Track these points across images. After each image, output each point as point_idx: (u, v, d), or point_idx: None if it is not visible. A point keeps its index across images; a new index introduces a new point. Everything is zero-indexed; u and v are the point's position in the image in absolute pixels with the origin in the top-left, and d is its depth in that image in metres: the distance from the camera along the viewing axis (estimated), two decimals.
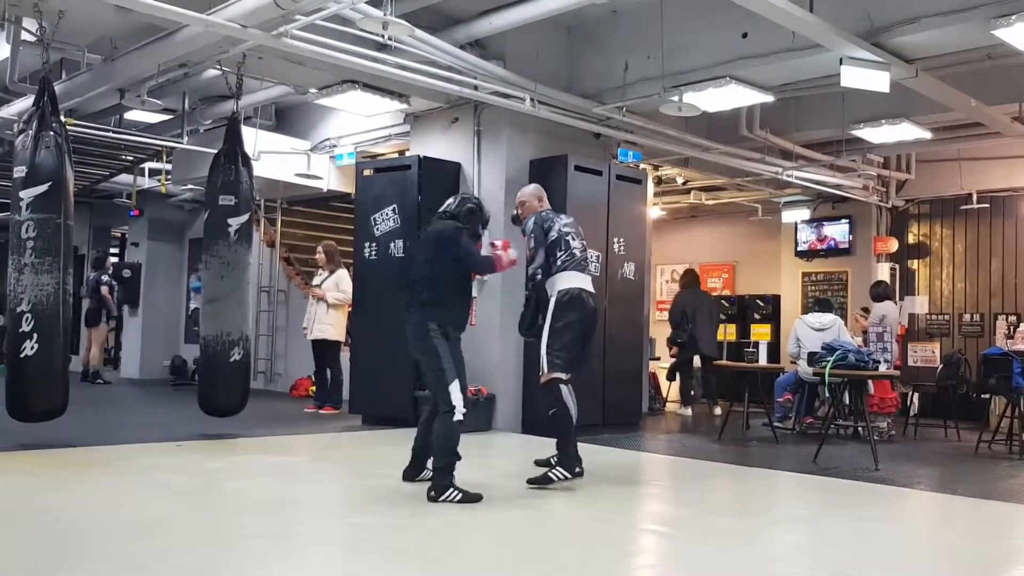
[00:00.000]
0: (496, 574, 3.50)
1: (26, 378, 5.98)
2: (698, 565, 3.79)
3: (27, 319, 5.91)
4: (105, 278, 12.35)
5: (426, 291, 4.82)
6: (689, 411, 10.11)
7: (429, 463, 4.86)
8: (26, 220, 5.97)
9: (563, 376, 5.30)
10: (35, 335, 5.91)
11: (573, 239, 5.55)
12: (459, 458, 4.68)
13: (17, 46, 7.84)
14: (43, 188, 5.99)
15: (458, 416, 4.66)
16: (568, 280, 5.43)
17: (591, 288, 5.55)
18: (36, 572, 3.22)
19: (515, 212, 5.82)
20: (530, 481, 5.16)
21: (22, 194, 5.99)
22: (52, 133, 6.07)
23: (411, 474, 5.14)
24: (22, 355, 5.91)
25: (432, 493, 4.61)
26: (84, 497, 4.67)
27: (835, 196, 11.31)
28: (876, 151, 10.23)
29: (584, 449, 6.82)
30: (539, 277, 5.46)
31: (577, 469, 5.23)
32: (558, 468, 5.20)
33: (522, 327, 5.65)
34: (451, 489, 4.59)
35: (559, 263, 5.43)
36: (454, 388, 4.67)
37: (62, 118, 6.35)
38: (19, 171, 6.05)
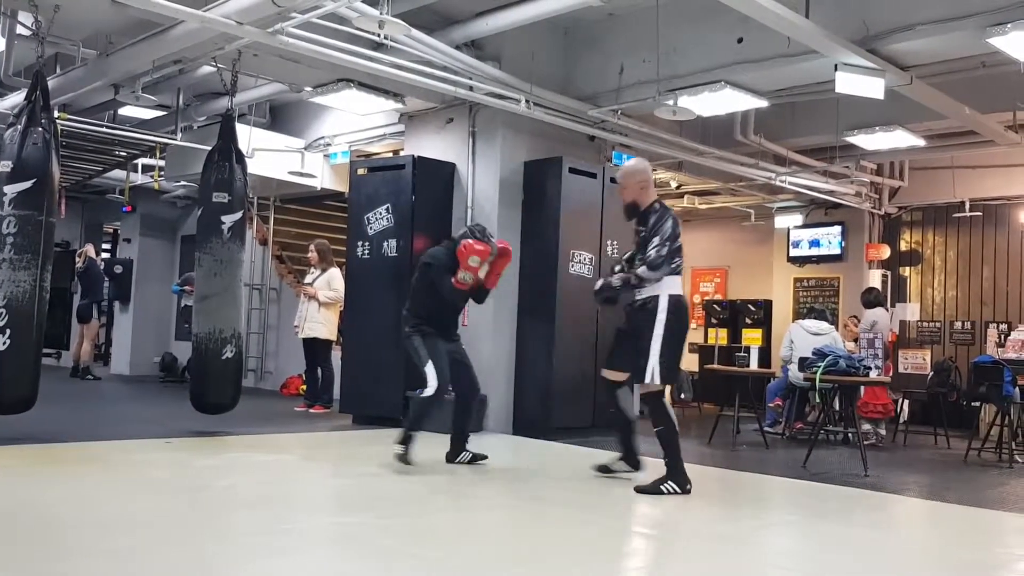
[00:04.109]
0: (487, 574, 3.49)
1: None
2: (687, 568, 3.78)
3: (0, 314, 5.88)
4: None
5: None
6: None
7: (468, 445, 5.90)
8: (8, 215, 5.92)
9: (664, 389, 5.10)
10: (8, 331, 5.87)
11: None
12: (420, 429, 5.57)
13: (12, 40, 7.79)
14: (27, 184, 5.93)
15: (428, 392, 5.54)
16: (677, 285, 5.26)
17: None
18: (24, 566, 3.20)
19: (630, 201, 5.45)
20: (639, 489, 5.09)
21: (6, 189, 5.93)
22: (40, 129, 6.01)
23: (450, 456, 5.88)
24: None
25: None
26: (73, 492, 4.64)
27: (828, 202, 11.34)
28: (870, 158, 10.25)
29: (575, 451, 6.83)
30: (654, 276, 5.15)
31: (688, 486, 5.12)
32: (669, 482, 5.09)
33: (602, 295, 5.41)
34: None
35: (674, 266, 5.26)
36: (429, 369, 5.57)
37: (54, 114, 6.30)
38: (4, 165, 5.99)
